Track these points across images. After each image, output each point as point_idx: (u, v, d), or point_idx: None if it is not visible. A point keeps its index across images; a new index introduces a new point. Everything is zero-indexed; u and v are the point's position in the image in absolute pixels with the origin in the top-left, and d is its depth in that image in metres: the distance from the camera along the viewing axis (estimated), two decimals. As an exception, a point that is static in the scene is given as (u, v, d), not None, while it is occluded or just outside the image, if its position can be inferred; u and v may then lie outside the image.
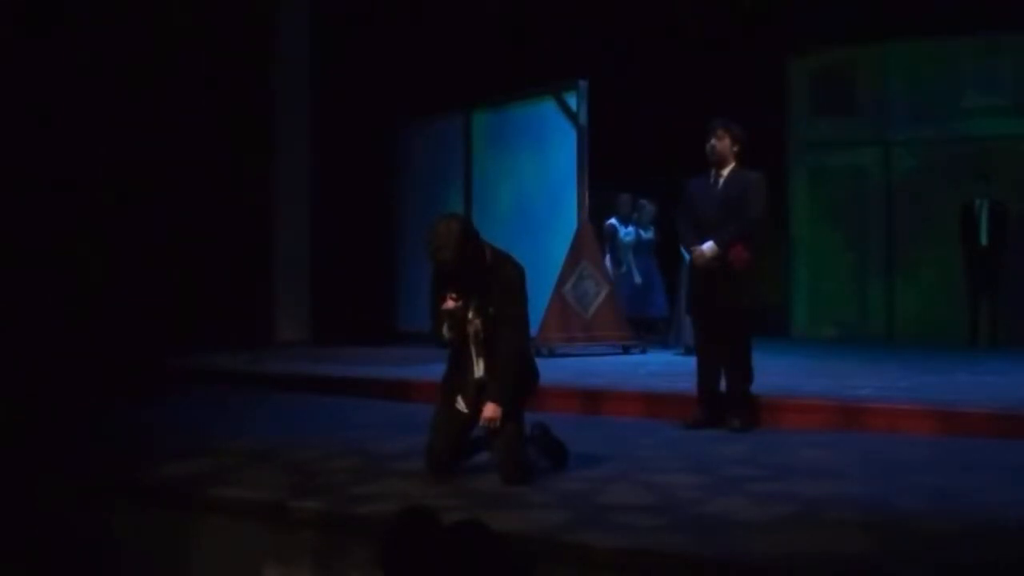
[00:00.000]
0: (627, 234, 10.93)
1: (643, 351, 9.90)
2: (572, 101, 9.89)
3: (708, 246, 5.89)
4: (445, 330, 4.55)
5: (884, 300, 12.13)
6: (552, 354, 9.23)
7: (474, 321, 4.53)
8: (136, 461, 5.07)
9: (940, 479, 4.45)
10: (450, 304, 4.45)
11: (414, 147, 12.20)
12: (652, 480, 4.46)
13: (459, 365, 4.65)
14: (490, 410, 4.44)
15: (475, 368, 4.59)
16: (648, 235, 11.00)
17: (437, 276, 4.59)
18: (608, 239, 10.84)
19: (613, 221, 10.96)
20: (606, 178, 10.31)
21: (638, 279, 10.83)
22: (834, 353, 9.78)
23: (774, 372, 7.61)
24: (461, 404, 4.62)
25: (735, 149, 6.00)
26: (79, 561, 4.65)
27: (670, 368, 8.26)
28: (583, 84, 9.73)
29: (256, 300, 11.25)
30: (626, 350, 9.86)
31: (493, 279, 4.51)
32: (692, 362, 6.31)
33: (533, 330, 7.00)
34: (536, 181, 10.40)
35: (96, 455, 5.33)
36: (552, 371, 6.62)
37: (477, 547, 1.87)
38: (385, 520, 3.70)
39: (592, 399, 6.84)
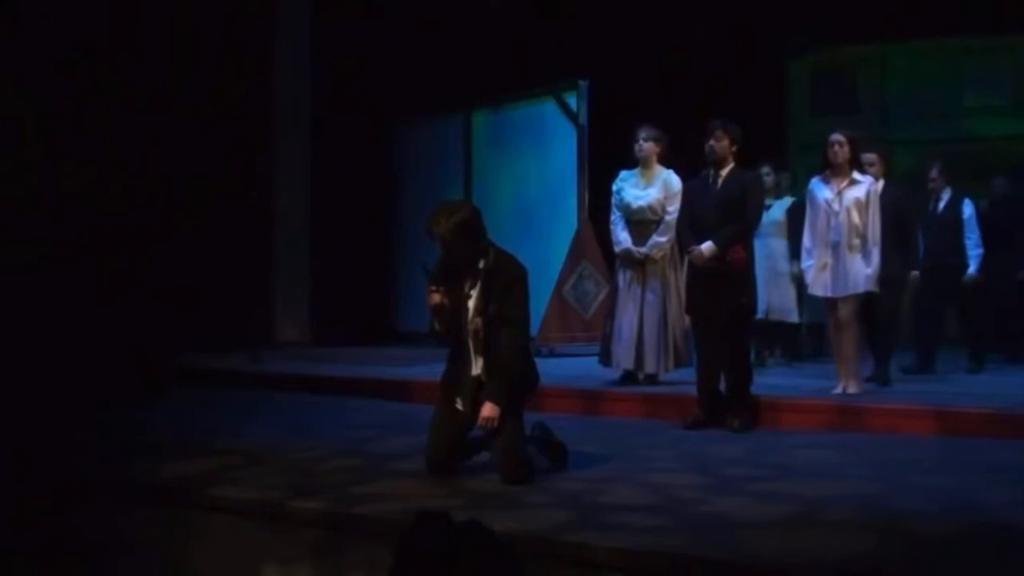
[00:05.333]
0: None
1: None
2: (572, 101, 9.89)
3: (707, 246, 5.90)
4: (436, 323, 4.54)
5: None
6: (552, 354, 9.22)
7: (474, 320, 4.52)
8: (136, 461, 5.07)
9: (940, 479, 4.45)
10: (435, 299, 4.44)
11: (414, 147, 12.21)
12: (652, 480, 4.45)
13: (458, 364, 4.63)
14: (488, 409, 4.42)
15: (474, 367, 4.58)
16: None
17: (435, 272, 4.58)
18: None
19: None
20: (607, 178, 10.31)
21: None
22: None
23: (774, 372, 7.62)
24: (460, 404, 4.61)
25: (733, 149, 6.01)
26: (79, 561, 4.65)
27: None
28: (583, 84, 9.74)
29: (256, 300, 11.24)
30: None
31: (495, 278, 4.50)
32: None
33: (533, 330, 7.00)
34: (536, 181, 10.40)
35: (97, 455, 5.32)
36: (552, 371, 6.62)
37: (477, 547, 1.86)
38: (394, 522, 3.70)
39: (592, 399, 6.84)
